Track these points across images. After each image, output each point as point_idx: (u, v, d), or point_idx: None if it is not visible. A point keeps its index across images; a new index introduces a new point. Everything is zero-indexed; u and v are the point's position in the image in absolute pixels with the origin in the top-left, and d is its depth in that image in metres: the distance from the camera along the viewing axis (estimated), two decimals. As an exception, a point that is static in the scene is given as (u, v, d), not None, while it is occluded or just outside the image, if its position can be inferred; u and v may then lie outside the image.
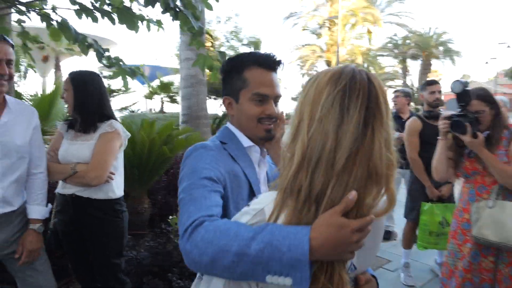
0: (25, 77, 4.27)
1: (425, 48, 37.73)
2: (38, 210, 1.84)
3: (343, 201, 0.72)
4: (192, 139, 3.48)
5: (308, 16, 26.60)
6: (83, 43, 3.55)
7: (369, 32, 26.47)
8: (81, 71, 2.16)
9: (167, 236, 3.05)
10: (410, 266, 3.50)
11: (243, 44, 25.73)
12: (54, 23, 3.46)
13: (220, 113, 12.58)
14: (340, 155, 0.72)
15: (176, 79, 23.36)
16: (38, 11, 3.38)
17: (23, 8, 3.38)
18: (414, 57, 39.75)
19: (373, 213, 0.75)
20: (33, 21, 3.12)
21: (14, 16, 3.70)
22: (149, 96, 23.29)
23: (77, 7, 3.12)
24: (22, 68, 4.20)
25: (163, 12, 3.13)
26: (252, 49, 26.40)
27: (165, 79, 20.88)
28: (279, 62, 1.20)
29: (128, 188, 3.53)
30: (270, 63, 1.18)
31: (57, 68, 16.71)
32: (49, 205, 1.94)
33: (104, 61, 3.60)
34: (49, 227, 2.23)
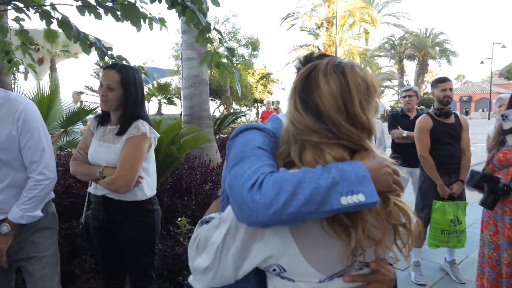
0: (25, 78, 4.16)
1: (421, 49, 37.94)
2: (13, 211, 1.68)
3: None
4: (199, 139, 3.41)
5: (305, 17, 26.61)
6: (85, 42, 3.46)
7: (366, 32, 26.53)
8: (128, 68, 2.04)
9: (175, 238, 2.97)
10: (421, 264, 3.45)
11: (241, 45, 25.65)
12: (54, 21, 3.36)
13: (218, 114, 12.52)
14: None
15: (173, 80, 23.34)
16: (36, 8, 3.29)
17: (21, 5, 3.29)
18: (410, 57, 39.98)
19: None
20: (28, 23, 3.01)
21: (11, 14, 3.59)
22: (147, 98, 23.16)
23: (79, 3, 3.04)
24: (22, 68, 4.08)
25: (169, 8, 3.06)
26: (250, 50, 26.41)
27: (162, 80, 20.82)
28: None
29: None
30: None
31: (53, 70, 16.56)
32: (38, 213, 1.75)
33: (107, 60, 3.52)
34: (80, 222, 2.19)
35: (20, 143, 1.68)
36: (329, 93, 0.84)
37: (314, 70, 0.89)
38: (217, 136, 8.86)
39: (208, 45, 3.41)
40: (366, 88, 0.87)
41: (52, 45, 15.70)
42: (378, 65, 31.73)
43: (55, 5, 3.27)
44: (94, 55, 3.44)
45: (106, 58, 3.56)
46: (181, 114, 6.90)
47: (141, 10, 3.20)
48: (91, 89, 19.89)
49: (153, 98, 21.88)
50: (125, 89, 1.94)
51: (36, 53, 15.45)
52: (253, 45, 25.21)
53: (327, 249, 0.84)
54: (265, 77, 27.01)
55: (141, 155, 1.91)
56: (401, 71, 41.77)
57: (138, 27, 3.14)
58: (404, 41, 39.02)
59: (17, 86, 6.14)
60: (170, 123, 3.46)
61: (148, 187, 2.03)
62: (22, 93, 6.43)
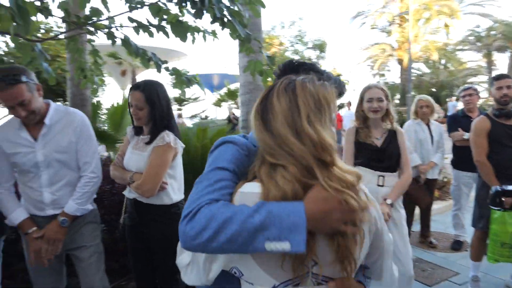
0: (100, 90, 4.72)
1: (514, 39, 33.90)
2: (69, 205, 1.97)
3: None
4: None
5: (376, 14, 25.56)
6: (144, 57, 3.84)
7: (446, 25, 24.57)
8: (151, 86, 2.21)
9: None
10: (480, 280, 3.17)
11: (308, 48, 25.56)
12: (118, 40, 3.78)
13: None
14: None
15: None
16: (103, 30, 3.74)
17: (92, 29, 3.76)
18: (501, 49, 35.92)
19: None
20: (104, 40, 3.43)
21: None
22: (217, 103, 24.27)
23: (134, 24, 3.39)
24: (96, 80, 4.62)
25: (212, 22, 3.27)
26: (317, 52, 26.16)
27: (232, 86, 21.64)
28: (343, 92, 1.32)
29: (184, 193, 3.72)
30: (340, 93, 1.28)
31: (134, 81, 18.19)
32: (92, 206, 2.07)
33: (164, 71, 3.86)
34: (120, 222, 2.40)
35: (77, 147, 2.02)
36: (280, 111, 0.90)
37: (271, 91, 0.96)
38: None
39: (254, 52, 3.56)
40: (317, 102, 0.90)
41: (133, 59, 17.22)
42: (460, 60, 29.09)
43: (118, 27, 3.68)
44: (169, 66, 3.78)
45: (163, 71, 3.92)
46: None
47: (194, 24, 3.45)
48: (168, 97, 21.48)
49: (224, 104, 22.81)
50: (151, 105, 2.13)
51: (120, 67, 17.10)
52: (320, 47, 24.94)
53: (274, 255, 0.88)
54: (335, 79, 26.46)
55: (165, 163, 2.09)
56: (490, 65, 37.74)
57: (185, 41, 3.41)
58: (492, 32, 35.24)
59: (96, 98, 6.96)
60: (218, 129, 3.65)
61: (174, 192, 2.20)
62: (100, 103, 7.21)
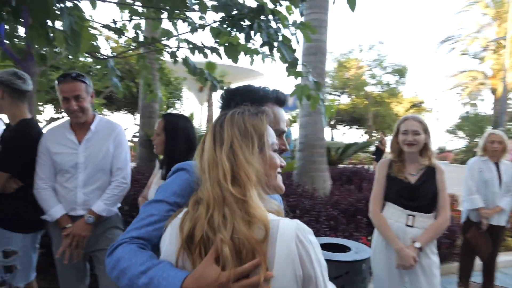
0: (162, 105, 5.10)
1: None
2: (98, 204, 2.11)
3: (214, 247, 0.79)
4: (285, 169, 3.55)
5: (468, 39, 23.74)
6: (201, 76, 4.07)
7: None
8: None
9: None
10: None
11: (386, 72, 24.58)
12: (179, 59, 4.07)
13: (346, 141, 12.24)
14: None
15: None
16: (167, 50, 4.06)
17: (157, 48, 4.10)
18: None
19: None
20: (193, 57, 3.71)
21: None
22: (290, 123, 24.31)
23: (191, 46, 3.64)
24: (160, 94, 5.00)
25: (261, 46, 3.36)
26: (397, 77, 25.00)
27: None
28: (286, 101, 1.25)
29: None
30: (284, 101, 1.22)
31: (210, 97, 19.14)
32: (115, 209, 2.20)
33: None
34: None
35: (114, 154, 2.21)
36: (207, 147, 0.90)
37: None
38: (338, 165, 8.68)
39: (302, 76, 3.57)
40: (243, 132, 0.88)
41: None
42: None
43: (178, 48, 3.96)
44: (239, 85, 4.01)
45: (218, 90, 4.13)
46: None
47: (253, 47, 3.59)
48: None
49: (295, 124, 22.82)
50: (167, 133, 2.22)
51: (197, 83, 18.16)
52: (400, 72, 23.78)
53: None
54: (416, 106, 24.99)
55: None
56: None
57: (236, 62, 3.56)
58: None
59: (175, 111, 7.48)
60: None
61: None
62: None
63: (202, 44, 3.64)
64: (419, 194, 2.13)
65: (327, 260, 2.45)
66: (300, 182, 5.75)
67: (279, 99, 1.20)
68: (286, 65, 3.37)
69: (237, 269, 0.77)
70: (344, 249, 2.66)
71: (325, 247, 2.69)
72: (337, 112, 27.13)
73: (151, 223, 0.96)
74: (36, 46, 2.67)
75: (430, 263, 2.09)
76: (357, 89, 23.68)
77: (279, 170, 0.95)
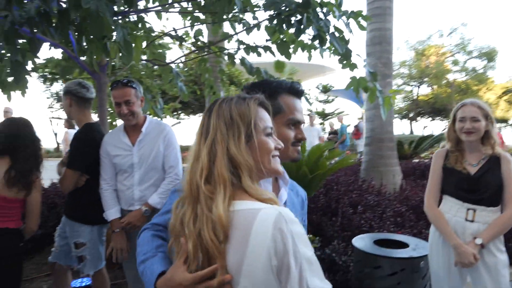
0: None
1: None
2: (153, 198, 2.25)
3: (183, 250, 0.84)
4: (340, 164, 3.47)
5: None
6: (259, 74, 4.16)
7: None
8: None
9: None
10: None
11: (472, 57, 22.08)
12: (237, 60, 4.20)
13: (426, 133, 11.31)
14: None
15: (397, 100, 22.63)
16: (224, 52, 4.22)
17: (216, 51, 4.29)
18: None
19: None
20: (256, 57, 3.83)
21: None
22: (362, 117, 23.38)
23: (244, 46, 3.74)
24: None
25: (312, 40, 3.32)
26: (485, 62, 22.39)
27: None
28: (303, 92, 1.25)
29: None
30: (298, 91, 1.22)
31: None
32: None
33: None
34: None
35: (165, 153, 2.35)
36: (196, 139, 0.94)
37: None
38: (412, 159, 8.12)
39: (357, 68, 3.44)
40: (229, 120, 0.89)
41: (280, 74, 18.36)
42: None
43: (238, 50, 4.08)
44: (310, 82, 4.05)
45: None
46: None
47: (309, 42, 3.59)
48: (311, 111, 22.03)
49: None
50: None
51: (269, 82, 18.43)
52: (488, 56, 21.27)
53: None
54: (511, 91, 22.27)
55: None
56: None
57: (289, 58, 3.57)
58: None
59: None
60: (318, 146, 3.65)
61: None
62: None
63: (254, 43, 3.72)
64: (480, 186, 1.93)
65: (382, 257, 2.35)
66: (367, 178, 5.54)
67: (292, 89, 1.20)
68: (339, 57, 3.29)
69: (199, 273, 0.80)
70: (404, 246, 2.53)
71: (384, 243, 2.58)
72: (416, 103, 25.28)
73: (169, 211, 1.03)
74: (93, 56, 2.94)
75: (496, 262, 1.89)
76: (438, 77, 21.77)
77: (275, 153, 0.94)
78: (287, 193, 1.19)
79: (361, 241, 2.55)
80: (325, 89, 21.13)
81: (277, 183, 1.19)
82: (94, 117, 2.69)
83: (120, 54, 2.18)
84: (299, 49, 3.89)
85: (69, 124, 7.96)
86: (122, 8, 3.02)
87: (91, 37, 2.13)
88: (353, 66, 3.39)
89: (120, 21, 2.28)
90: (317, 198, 4.15)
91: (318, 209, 4.04)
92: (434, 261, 2.07)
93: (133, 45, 2.34)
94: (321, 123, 20.96)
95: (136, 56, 2.36)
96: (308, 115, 10.48)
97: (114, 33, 2.20)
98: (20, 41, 2.73)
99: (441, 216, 2.03)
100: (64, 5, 2.30)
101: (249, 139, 0.89)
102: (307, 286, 0.77)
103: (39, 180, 2.21)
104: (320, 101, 20.76)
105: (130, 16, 3.68)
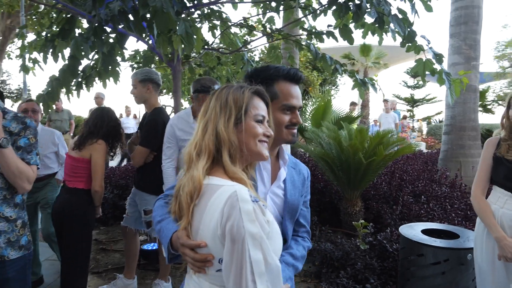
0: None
1: None
2: None
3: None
4: (400, 151, 3.35)
5: None
6: (325, 60, 4.18)
7: None
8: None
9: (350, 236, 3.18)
10: None
11: None
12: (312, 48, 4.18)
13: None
14: None
15: (496, 85, 20.02)
16: (291, 39, 4.32)
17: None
18: None
19: None
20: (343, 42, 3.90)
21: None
22: (395, 106, 21.12)
23: (306, 33, 3.80)
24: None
25: (373, 24, 3.25)
26: None
27: (480, 86, 18.39)
28: (302, 77, 1.30)
29: (341, 189, 3.88)
30: (295, 76, 1.27)
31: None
32: None
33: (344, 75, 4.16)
34: None
35: None
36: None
37: None
38: None
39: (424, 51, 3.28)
40: (224, 103, 1.02)
41: (366, 58, 17.56)
42: None
43: (312, 35, 4.09)
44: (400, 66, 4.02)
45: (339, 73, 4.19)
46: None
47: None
48: (398, 97, 20.63)
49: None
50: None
51: (352, 67, 17.78)
52: None
53: None
54: None
55: None
56: None
57: (352, 43, 3.55)
58: None
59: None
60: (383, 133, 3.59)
61: None
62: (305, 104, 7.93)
63: (315, 29, 3.75)
64: (530, 177, 1.80)
65: (424, 245, 2.33)
66: (444, 168, 5.19)
67: (289, 75, 1.25)
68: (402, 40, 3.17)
69: (189, 242, 0.96)
70: (456, 237, 2.44)
71: (436, 233, 2.52)
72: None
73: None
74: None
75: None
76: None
77: (262, 138, 1.04)
78: (289, 172, 1.31)
79: (408, 229, 2.52)
80: (415, 74, 19.61)
81: (278, 162, 1.31)
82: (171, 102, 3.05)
83: (183, 46, 2.45)
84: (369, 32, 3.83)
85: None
86: (191, 3, 3.33)
87: (158, 31, 2.44)
88: (418, 49, 3.23)
89: (183, 16, 2.55)
90: (379, 186, 4.09)
91: (380, 197, 3.99)
92: (478, 254, 1.99)
93: (195, 36, 2.60)
94: (409, 110, 19.63)
95: (197, 46, 2.61)
96: (383, 101, 9.99)
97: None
98: (112, 35, 3.22)
99: (486, 206, 1.93)
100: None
101: (238, 122, 1.01)
102: (249, 257, 0.87)
103: (102, 145, 2.47)
104: (409, 87, 19.33)
105: (204, 9, 4.01)
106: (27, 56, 4.04)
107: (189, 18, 2.60)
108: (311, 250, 3.12)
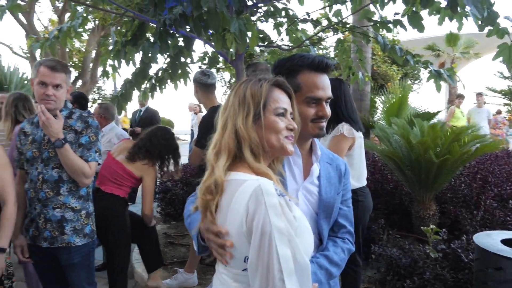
0: (361, 86, 5.07)
1: None
2: None
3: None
4: (481, 149, 2.94)
5: None
6: (394, 52, 3.92)
7: None
8: (337, 80, 2.48)
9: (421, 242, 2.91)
10: None
11: None
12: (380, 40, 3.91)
13: None
14: None
15: None
16: (358, 31, 4.09)
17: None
18: None
19: None
20: (428, 32, 3.70)
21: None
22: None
23: (371, 24, 3.56)
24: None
25: (446, 8, 2.92)
26: None
27: None
28: (329, 65, 1.20)
29: (412, 191, 3.59)
30: (321, 65, 1.18)
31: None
32: None
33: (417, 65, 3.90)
34: None
35: None
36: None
37: None
38: None
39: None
40: (242, 98, 0.99)
41: (453, 49, 15.98)
42: None
43: (379, 26, 3.87)
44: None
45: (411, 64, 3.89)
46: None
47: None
48: (493, 90, 18.31)
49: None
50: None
51: (437, 59, 16.31)
52: None
53: None
54: None
55: (341, 150, 2.25)
56: None
57: (422, 31, 3.28)
58: None
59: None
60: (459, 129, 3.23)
61: (355, 179, 2.33)
62: (374, 100, 7.47)
63: (382, 19, 3.49)
64: None
65: (503, 257, 2.06)
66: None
67: (313, 64, 1.17)
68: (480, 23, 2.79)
69: (210, 225, 0.96)
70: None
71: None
72: None
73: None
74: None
75: None
76: None
77: (285, 133, 0.99)
78: (325, 168, 1.23)
79: (485, 237, 2.22)
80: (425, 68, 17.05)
81: (311, 158, 1.24)
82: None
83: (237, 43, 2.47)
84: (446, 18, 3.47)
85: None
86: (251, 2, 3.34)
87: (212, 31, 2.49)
88: (501, 32, 2.82)
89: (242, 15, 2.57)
90: (458, 188, 3.68)
91: (458, 200, 3.59)
92: None
93: (249, 33, 2.60)
94: (506, 104, 17.39)
95: (251, 43, 2.60)
96: (477, 95, 8.94)
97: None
98: (180, 39, 3.38)
99: None
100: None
101: (257, 117, 0.97)
102: (277, 254, 0.83)
103: (154, 169, 2.57)
104: (506, 78, 17.07)
105: (268, 7, 3.99)
106: (109, 62, 4.44)
107: (243, 16, 2.60)
108: (377, 255, 2.93)
